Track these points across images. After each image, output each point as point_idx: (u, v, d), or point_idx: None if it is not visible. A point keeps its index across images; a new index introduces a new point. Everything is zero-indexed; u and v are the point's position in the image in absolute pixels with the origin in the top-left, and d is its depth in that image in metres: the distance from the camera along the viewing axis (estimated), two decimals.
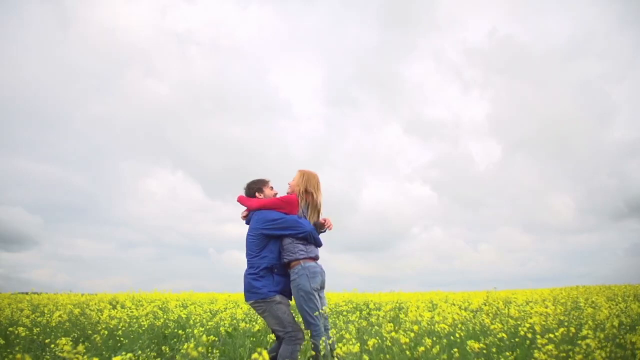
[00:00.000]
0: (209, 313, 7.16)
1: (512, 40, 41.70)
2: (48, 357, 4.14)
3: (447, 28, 47.04)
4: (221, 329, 5.39)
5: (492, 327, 3.59)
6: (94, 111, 38.11)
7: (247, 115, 43.55)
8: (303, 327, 3.24)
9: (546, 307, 3.99)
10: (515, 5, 46.91)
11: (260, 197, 3.57)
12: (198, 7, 43.63)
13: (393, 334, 3.16)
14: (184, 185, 37.98)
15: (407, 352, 3.02)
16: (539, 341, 2.75)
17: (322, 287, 3.36)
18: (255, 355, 1.99)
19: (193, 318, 6.18)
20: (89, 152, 37.18)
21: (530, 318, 3.62)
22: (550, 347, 2.53)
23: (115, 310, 6.77)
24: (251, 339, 4.87)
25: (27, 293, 12.04)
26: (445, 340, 3.38)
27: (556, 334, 2.90)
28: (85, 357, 2.01)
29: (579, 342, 2.71)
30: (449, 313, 4.43)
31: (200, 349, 2.21)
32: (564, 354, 2.64)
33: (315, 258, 3.35)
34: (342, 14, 45.38)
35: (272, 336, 4.25)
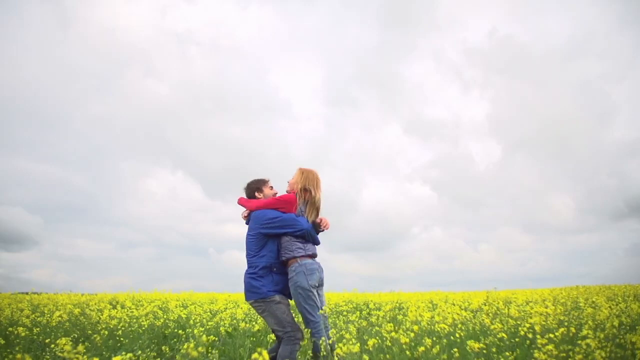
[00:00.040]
0: (209, 313, 7.16)
1: (512, 40, 41.72)
2: (48, 357, 4.14)
3: (447, 28, 47.04)
4: (221, 329, 5.39)
5: (492, 327, 3.60)
6: (94, 111, 38.13)
7: (247, 115, 43.57)
8: (303, 327, 3.25)
9: (546, 307, 3.99)
10: (515, 5, 46.92)
11: (259, 196, 3.59)
12: (198, 7, 43.65)
13: (393, 334, 3.16)
14: (184, 185, 38.00)
15: (407, 352, 3.02)
16: (539, 341, 2.75)
17: (321, 285, 3.36)
18: (255, 355, 1.99)
19: (193, 318, 6.18)
20: (89, 152, 37.20)
21: (531, 318, 3.62)
22: (550, 347, 2.53)
23: (115, 310, 6.77)
24: (251, 339, 4.87)
25: (27, 293, 12.05)
26: (445, 340, 3.38)
27: (556, 334, 2.90)
28: (85, 357, 2.01)
29: (579, 342, 2.71)
30: (449, 313, 4.42)
31: (200, 349, 2.21)
32: (564, 354, 2.64)
33: (313, 256, 3.36)
34: (342, 14, 45.39)
35: (272, 336, 4.25)
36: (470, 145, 45.22)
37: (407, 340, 3.03)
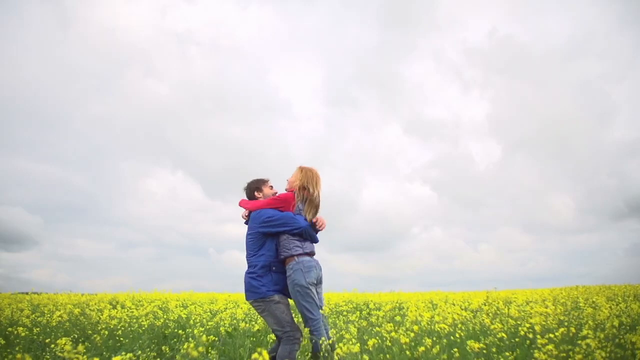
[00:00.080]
0: (209, 313, 7.17)
1: (512, 40, 41.73)
2: (48, 357, 4.14)
3: (447, 28, 47.06)
4: (221, 329, 5.39)
5: (492, 327, 3.60)
6: (94, 111, 38.15)
7: (247, 115, 43.58)
8: (303, 327, 3.25)
9: (546, 307, 3.99)
10: (515, 5, 46.93)
11: (259, 196, 3.60)
12: (198, 7, 43.68)
13: (393, 334, 3.16)
14: (184, 185, 38.02)
15: (407, 352, 3.02)
16: (539, 341, 2.75)
17: (319, 283, 3.36)
18: (255, 355, 1.99)
19: (193, 318, 6.18)
20: (89, 152, 37.21)
21: (531, 318, 3.62)
22: (550, 347, 2.53)
23: (115, 310, 6.77)
24: (251, 339, 4.87)
25: (27, 293, 12.05)
26: (445, 340, 3.38)
27: (556, 334, 2.90)
28: (85, 357, 2.01)
29: (579, 342, 2.71)
30: (449, 313, 4.43)
31: (200, 349, 2.21)
32: (564, 354, 2.64)
33: (311, 254, 3.36)
34: (342, 14, 45.41)
35: (272, 336, 4.26)
36: (470, 145, 45.26)
37: (407, 340, 3.03)
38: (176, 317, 6.38)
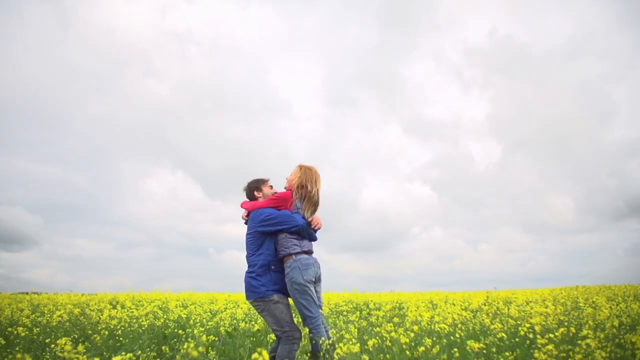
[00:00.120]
0: (209, 313, 7.17)
1: (512, 40, 41.73)
2: (48, 357, 4.14)
3: (447, 28, 47.05)
4: (221, 329, 5.39)
5: (492, 327, 3.59)
6: (94, 111, 38.14)
7: (247, 115, 43.59)
8: (302, 327, 3.25)
9: (546, 307, 3.99)
10: (515, 5, 46.92)
11: (259, 196, 3.61)
12: (198, 7, 43.67)
13: (393, 334, 3.16)
14: (184, 185, 38.01)
15: (407, 352, 3.02)
16: (539, 341, 2.75)
17: (317, 281, 3.36)
18: (255, 355, 1.99)
19: (193, 318, 6.18)
20: (89, 152, 37.21)
21: (531, 318, 3.62)
22: (550, 347, 2.53)
23: (115, 310, 6.77)
24: (251, 339, 4.87)
25: (27, 293, 12.05)
26: (445, 340, 3.38)
27: (556, 334, 2.90)
28: (85, 357, 2.01)
29: (579, 342, 2.71)
30: (449, 313, 4.42)
31: (200, 349, 2.21)
32: (564, 354, 2.64)
33: (309, 252, 3.36)
34: (342, 14, 45.40)
35: (272, 336, 4.26)
36: (470, 145, 45.25)
37: (407, 340, 3.03)
38: (176, 317, 6.38)
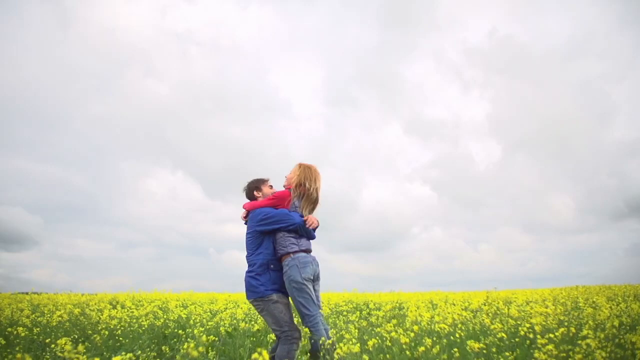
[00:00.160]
0: (209, 313, 7.17)
1: (512, 40, 41.73)
2: (48, 357, 4.14)
3: (447, 28, 47.04)
4: (221, 329, 5.39)
5: (492, 327, 3.59)
6: (94, 111, 38.14)
7: (247, 115, 43.60)
8: (302, 327, 3.24)
9: (546, 307, 3.99)
10: (515, 5, 46.91)
11: (259, 195, 3.62)
12: (198, 7, 43.66)
13: (393, 334, 3.16)
14: (184, 185, 38.02)
15: (407, 352, 3.02)
16: (539, 341, 2.75)
17: (316, 280, 3.36)
18: (255, 355, 1.99)
19: (193, 318, 6.18)
20: (89, 152, 37.22)
21: (531, 318, 3.62)
22: (550, 347, 2.53)
23: (115, 310, 6.77)
24: (251, 339, 4.87)
25: (27, 293, 12.05)
26: (445, 340, 3.38)
27: (556, 334, 2.90)
28: (85, 357, 2.01)
29: (579, 342, 2.71)
30: (449, 313, 4.43)
31: (200, 349, 2.21)
32: (564, 354, 2.64)
33: (307, 250, 3.36)
34: (342, 14, 45.40)
35: (272, 336, 4.26)
36: (470, 145, 45.26)
37: (407, 340, 3.03)
38: (176, 317, 6.38)
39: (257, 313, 5.47)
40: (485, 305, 5.21)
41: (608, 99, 39.91)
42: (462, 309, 5.44)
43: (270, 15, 45.88)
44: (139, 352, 4.12)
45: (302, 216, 3.40)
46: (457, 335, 3.50)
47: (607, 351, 2.77)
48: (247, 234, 3.45)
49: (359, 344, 2.78)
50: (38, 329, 5.37)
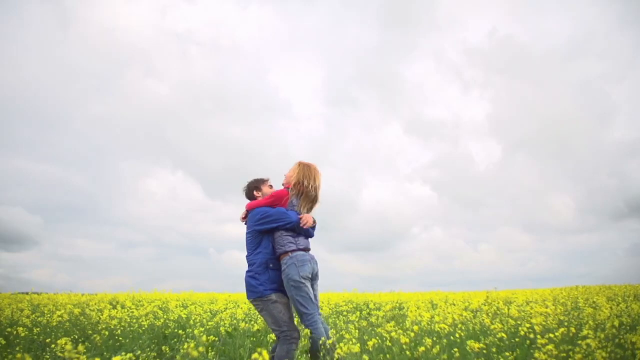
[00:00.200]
0: (209, 313, 7.17)
1: (512, 40, 41.75)
2: (48, 357, 4.14)
3: (447, 28, 47.07)
4: (221, 329, 5.39)
5: (492, 327, 3.59)
6: (94, 111, 38.17)
7: (247, 115, 43.62)
8: (302, 327, 3.24)
9: (546, 307, 3.99)
10: (515, 5, 46.95)
11: (258, 195, 3.63)
12: (198, 7, 43.69)
13: (393, 334, 3.16)
14: (184, 185, 38.04)
15: (407, 352, 3.02)
16: (539, 341, 2.75)
17: (315, 278, 3.35)
18: (255, 355, 1.99)
19: (193, 318, 6.18)
20: (89, 152, 37.25)
21: (531, 318, 3.62)
22: (550, 347, 2.53)
23: (116, 310, 6.77)
24: (251, 339, 4.87)
25: (27, 293, 12.04)
26: (445, 340, 3.38)
27: (556, 334, 2.90)
28: (85, 357, 2.01)
29: (579, 342, 2.71)
30: (449, 313, 4.43)
31: (200, 349, 2.21)
32: (564, 354, 2.64)
33: (305, 249, 3.36)
34: (342, 14, 45.42)
35: (273, 336, 4.25)
36: (470, 145, 45.28)
37: (407, 340, 3.03)
38: (176, 317, 6.38)
39: (257, 313, 5.47)
40: (485, 305, 5.20)
41: (608, 99, 39.95)
42: (462, 309, 5.44)
43: (270, 15, 45.93)
44: (139, 352, 4.12)
45: (299, 214, 3.40)
46: (457, 335, 3.50)
47: (607, 351, 2.77)
48: (246, 233, 3.46)
49: (359, 344, 2.78)
50: (38, 329, 5.37)
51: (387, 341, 3.27)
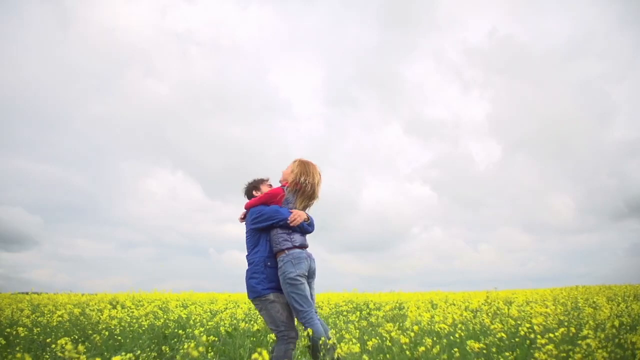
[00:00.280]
0: (209, 313, 7.17)
1: (512, 40, 41.77)
2: (48, 357, 4.14)
3: (447, 28, 47.11)
4: (221, 329, 5.39)
5: (492, 327, 3.59)
6: (94, 111, 38.19)
7: (247, 115, 43.65)
8: (302, 327, 3.24)
9: (546, 307, 3.99)
10: (515, 5, 46.97)
11: (257, 195, 3.62)
12: (198, 7, 43.72)
13: (393, 334, 3.16)
14: (184, 185, 38.07)
15: (407, 352, 3.02)
16: (539, 341, 2.75)
17: (311, 276, 3.34)
18: (255, 355, 1.99)
19: (193, 318, 6.18)
20: (89, 152, 37.27)
21: (531, 318, 3.62)
22: (550, 347, 2.53)
23: (116, 310, 6.77)
24: (251, 339, 4.87)
25: (27, 293, 12.05)
26: (445, 340, 3.38)
27: (556, 334, 2.90)
28: (85, 357, 2.01)
29: (579, 342, 2.71)
30: (449, 313, 4.43)
31: (200, 349, 2.21)
32: (564, 354, 2.64)
33: (301, 247, 3.35)
34: (342, 14, 45.45)
35: (273, 336, 4.25)
36: (470, 145, 45.31)
37: (407, 340, 3.03)
38: (176, 317, 6.38)
39: (257, 313, 5.48)
40: (485, 305, 5.21)
41: (608, 99, 39.97)
42: (462, 309, 5.44)
43: (270, 15, 45.95)
44: (139, 352, 4.12)
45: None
46: (457, 335, 3.50)
47: (607, 351, 2.77)
48: (245, 233, 3.49)
49: (359, 344, 2.78)
50: (38, 329, 5.37)
51: (387, 341, 3.27)
